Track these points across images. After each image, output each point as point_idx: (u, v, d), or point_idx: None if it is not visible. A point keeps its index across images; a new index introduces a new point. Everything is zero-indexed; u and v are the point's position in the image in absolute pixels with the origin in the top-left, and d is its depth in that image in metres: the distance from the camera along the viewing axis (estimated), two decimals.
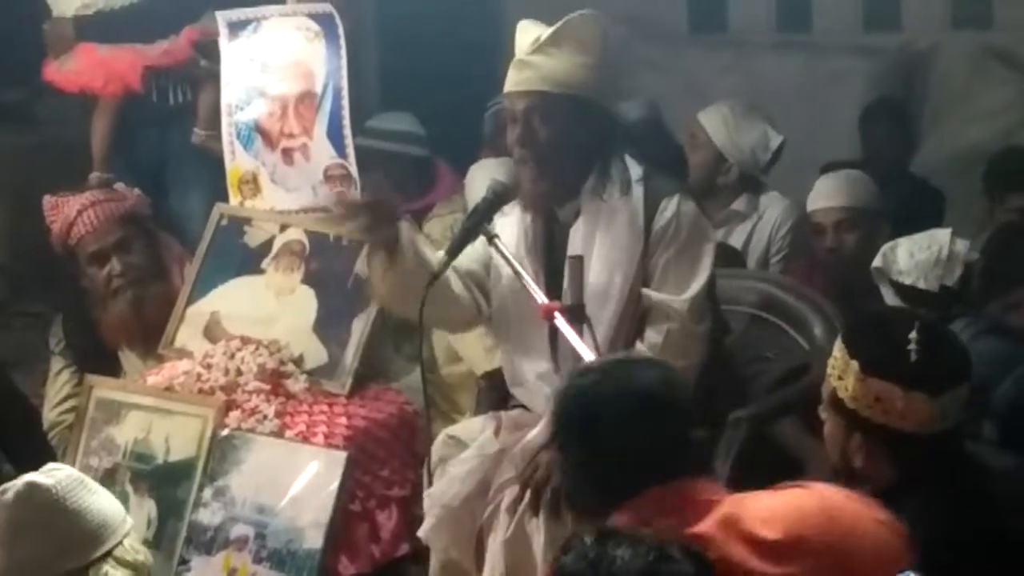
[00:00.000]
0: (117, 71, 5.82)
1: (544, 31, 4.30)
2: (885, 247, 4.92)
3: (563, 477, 3.09)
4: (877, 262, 4.87)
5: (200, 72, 5.53)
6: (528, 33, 4.34)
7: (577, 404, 3.10)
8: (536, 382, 4.38)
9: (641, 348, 4.27)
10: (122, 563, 3.53)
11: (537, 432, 4.29)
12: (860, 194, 5.61)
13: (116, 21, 5.86)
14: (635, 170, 4.34)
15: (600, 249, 4.27)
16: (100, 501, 3.56)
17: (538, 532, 4.20)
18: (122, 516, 3.60)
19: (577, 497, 3.09)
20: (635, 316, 4.29)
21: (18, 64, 7.22)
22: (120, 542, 3.55)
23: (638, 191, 4.30)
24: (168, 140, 5.96)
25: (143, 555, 3.61)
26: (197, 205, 5.60)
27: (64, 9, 5.92)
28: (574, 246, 4.29)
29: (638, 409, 3.04)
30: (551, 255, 4.38)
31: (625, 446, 3.01)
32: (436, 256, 4.27)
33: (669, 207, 4.30)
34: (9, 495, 3.52)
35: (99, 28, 5.86)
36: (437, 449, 4.44)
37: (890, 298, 4.88)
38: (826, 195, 5.63)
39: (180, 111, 5.88)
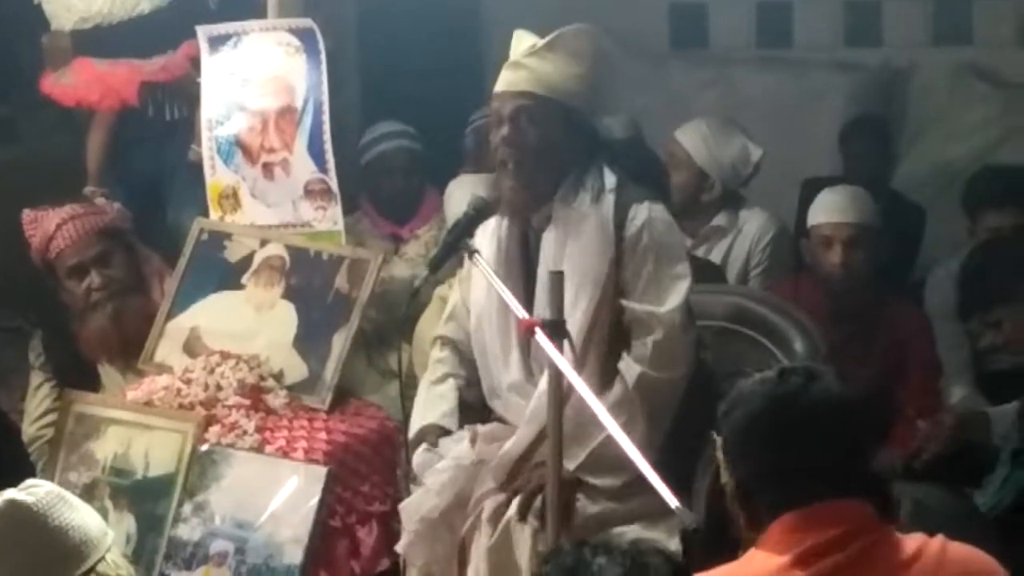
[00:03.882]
0: (114, 86, 5.84)
1: (539, 41, 4.35)
2: None
3: (741, 481, 2.99)
4: None
5: (197, 88, 5.54)
6: (524, 40, 4.40)
7: (773, 410, 2.98)
8: (509, 393, 4.40)
9: (628, 361, 4.28)
10: None
11: (514, 443, 4.31)
12: (867, 211, 5.62)
13: (114, 36, 5.88)
14: (609, 179, 4.37)
15: (570, 257, 4.29)
16: (82, 517, 3.54)
17: (524, 540, 4.21)
18: (103, 531, 3.58)
19: (757, 501, 2.99)
20: (605, 326, 4.30)
21: (0, 79, 7.22)
22: (103, 557, 3.53)
23: (609, 199, 4.33)
24: (164, 155, 5.98)
25: (125, 570, 3.59)
26: (192, 220, 5.61)
27: (63, 23, 5.94)
28: (546, 253, 4.31)
29: (839, 419, 2.98)
30: (526, 262, 4.40)
31: (808, 455, 2.95)
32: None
33: (639, 214, 4.32)
34: None
35: (97, 42, 5.88)
36: (415, 462, 4.45)
37: None
38: (838, 211, 5.60)
39: (176, 126, 5.89)
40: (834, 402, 2.97)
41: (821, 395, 2.97)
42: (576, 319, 4.22)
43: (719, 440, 3.05)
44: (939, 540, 2.98)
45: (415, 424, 4.53)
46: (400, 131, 6.48)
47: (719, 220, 6.12)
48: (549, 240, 4.34)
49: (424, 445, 4.46)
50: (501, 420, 4.47)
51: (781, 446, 2.95)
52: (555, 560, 2.68)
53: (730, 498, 3.03)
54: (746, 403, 2.99)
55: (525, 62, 4.34)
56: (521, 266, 4.40)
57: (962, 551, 2.98)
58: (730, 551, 3.08)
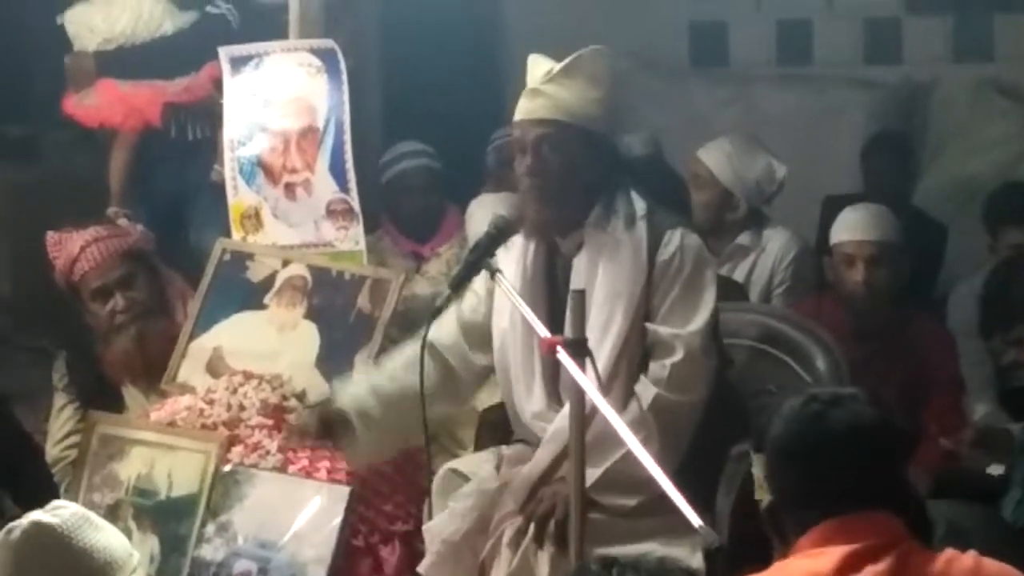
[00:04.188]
0: (137, 107, 5.86)
1: (555, 65, 4.34)
2: None
3: (775, 499, 3.06)
4: None
5: (220, 109, 5.55)
6: (540, 66, 4.37)
7: (804, 431, 3.04)
8: (533, 420, 4.39)
9: (644, 382, 4.28)
10: None
11: (533, 465, 4.30)
12: (890, 228, 5.62)
13: (137, 57, 5.91)
14: (639, 205, 4.36)
15: (603, 281, 4.29)
16: (107, 538, 3.54)
17: (542, 565, 4.20)
18: (128, 552, 3.59)
19: (786, 519, 3.04)
20: (636, 350, 4.30)
21: (22, 99, 7.26)
22: None
23: (642, 225, 4.32)
24: (186, 176, 5.99)
25: None
26: (215, 241, 5.62)
27: (86, 44, 5.97)
28: (577, 278, 4.30)
29: (865, 441, 3.01)
30: (552, 287, 4.39)
31: (843, 475, 2.99)
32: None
33: (673, 240, 4.31)
34: (15, 534, 3.50)
35: (120, 64, 5.91)
36: (439, 483, 4.45)
37: None
38: (861, 228, 5.60)
39: (198, 147, 5.90)
40: (857, 426, 3.00)
41: (843, 419, 3.00)
42: (608, 343, 4.22)
43: (754, 457, 3.09)
44: (972, 555, 2.99)
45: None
46: (419, 150, 6.49)
47: (743, 239, 6.11)
48: (581, 265, 4.32)
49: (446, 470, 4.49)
50: (526, 442, 4.46)
51: (804, 469, 3.00)
52: None
53: (763, 516, 3.07)
54: (775, 426, 3.06)
55: (543, 89, 4.32)
56: (547, 290, 4.38)
57: (995, 567, 2.98)
58: (753, 569, 3.08)
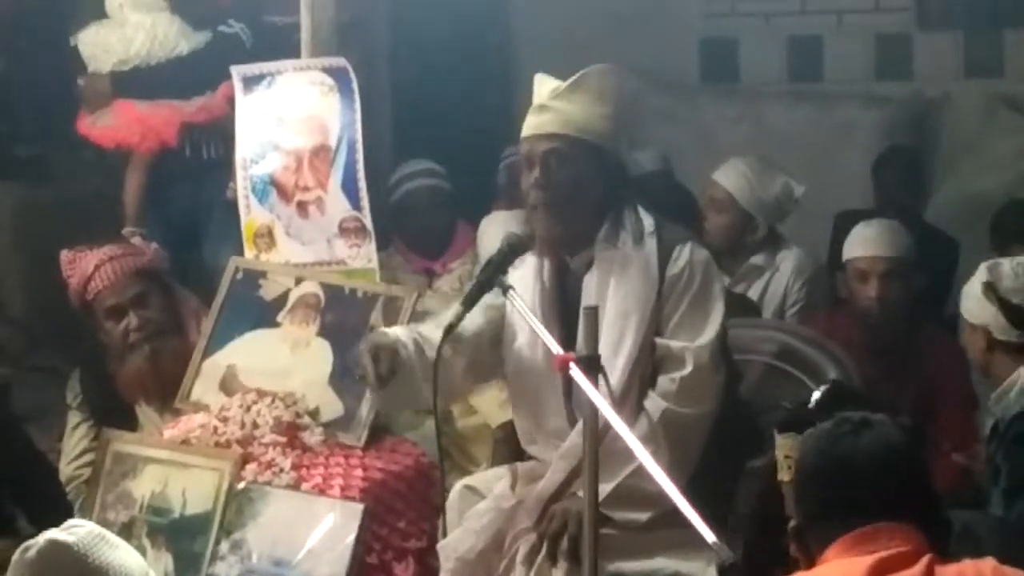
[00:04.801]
0: (154, 127, 5.89)
1: (561, 83, 4.35)
2: (987, 264, 4.79)
3: (801, 517, 3.10)
4: (985, 276, 4.70)
5: (234, 127, 5.56)
6: (546, 84, 4.39)
7: (836, 452, 3.07)
8: (551, 438, 4.40)
9: (653, 396, 4.28)
10: None
11: (546, 482, 4.30)
12: (902, 244, 5.62)
13: (153, 77, 5.93)
14: (648, 220, 4.37)
15: (614, 298, 4.29)
16: (122, 556, 3.54)
17: None
18: (144, 571, 3.58)
19: (812, 536, 3.08)
20: (647, 365, 4.31)
21: (34, 120, 7.28)
22: None
23: (651, 241, 4.33)
24: (201, 194, 6.01)
25: None
26: (229, 259, 5.63)
27: (101, 65, 5.99)
28: (588, 295, 4.31)
29: (895, 461, 3.06)
30: (564, 305, 4.40)
31: (873, 494, 3.02)
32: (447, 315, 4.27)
33: (682, 255, 4.32)
34: (31, 553, 3.50)
35: (136, 84, 5.93)
36: (454, 500, 4.45)
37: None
38: (874, 244, 5.60)
39: (213, 166, 5.92)
40: (889, 447, 3.05)
41: (875, 441, 3.05)
42: (620, 359, 4.23)
43: (778, 437, 3.26)
44: (990, 562, 3.00)
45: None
46: (423, 170, 6.50)
47: (757, 259, 6.12)
48: (591, 282, 4.33)
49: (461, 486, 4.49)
50: (539, 459, 4.47)
51: (835, 489, 3.04)
52: None
53: (790, 535, 3.12)
54: (807, 447, 3.14)
55: (551, 104, 4.34)
56: (559, 308, 4.39)
57: (1013, 574, 2.99)
58: None
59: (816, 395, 3.82)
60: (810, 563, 3.04)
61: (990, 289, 4.64)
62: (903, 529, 2.97)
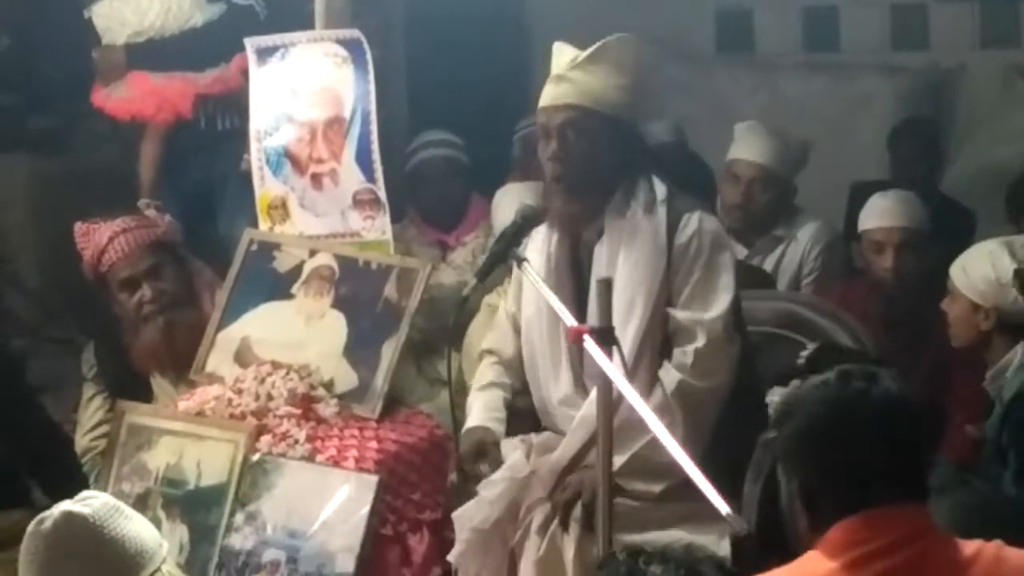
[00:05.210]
0: (169, 99, 5.88)
1: (579, 53, 4.34)
2: (1000, 244, 4.80)
3: (811, 480, 2.98)
4: (1010, 262, 4.69)
5: (248, 99, 5.56)
6: (565, 53, 4.38)
7: (837, 415, 2.97)
8: (560, 407, 4.40)
9: (668, 368, 4.28)
10: None
11: (561, 452, 4.31)
12: (918, 215, 5.61)
13: (168, 49, 5.92)
14: (660, 189, 4.37)
15: (623, 267, 4.29)
16: (137, 527, 3.56)
17: (568, 550, 4.21)
18: (159, 542, 3.60)
19: (820, 504, 2.98)
20: (657, 335, 4.30)
21: (49, 91, 7.28)
22: (158, 568, 3.55)
23: (661, 210, 4.33)
24: (215, 166, 6.00)
25: None
26: (243, 231, 5.63)
27: (115, 37, 5.98)
28: (599, 265, 4.31)
29: (900, 420, 2.97)
30: (576, 275, 4.40)
31: (874, 457, 2.94)
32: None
33: (690, 224, 4.32)
34: (47, 525, 3.51)
35: (151, 56, 5.93)
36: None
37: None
38: (889, 215, 5.59)
39: (227, 137, 5.91)
40: (896, 405, 2.97)
41: (884, 398, 2.96)
42: (630, 330, 4.23)
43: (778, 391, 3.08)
44: (995, 544, 2.98)
45: (467, 425, 4.55)
46: (440, 140, 6.51)
47: (780, 231, 6.11)
48: (602, 252, 4.34)
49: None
50: (554, 430, 4.47)
51: (844, 449, 2.94)
52: (610, 566, 2.68)
53: (788, 501, 3.03)
54: (808, 406, 2.99)
55: (569, 75, 4.33)
56: (571, 279, 4.40)
57: (1020, 556, 2.97)
58: (781, 556, 3.07)
59: (805, 352, 3.76)
60: (816, 529, 2.96)
61: (1018, 277, 4.63)
62: (901, 512, 2.92)
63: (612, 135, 4.34)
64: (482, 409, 4.55)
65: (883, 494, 2.93)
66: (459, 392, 4.72)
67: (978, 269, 4.72)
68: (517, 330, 4.59)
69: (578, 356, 4.33)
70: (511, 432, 4.58)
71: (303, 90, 5.23)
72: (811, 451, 2.99)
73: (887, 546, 2.89)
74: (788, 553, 3.08)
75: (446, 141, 6.51)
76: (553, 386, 4.42)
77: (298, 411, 4.80)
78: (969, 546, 2.96)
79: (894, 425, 2.95)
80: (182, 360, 5.19)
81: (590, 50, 4.34)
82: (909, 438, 2.97)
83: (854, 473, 2.94)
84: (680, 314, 4.29)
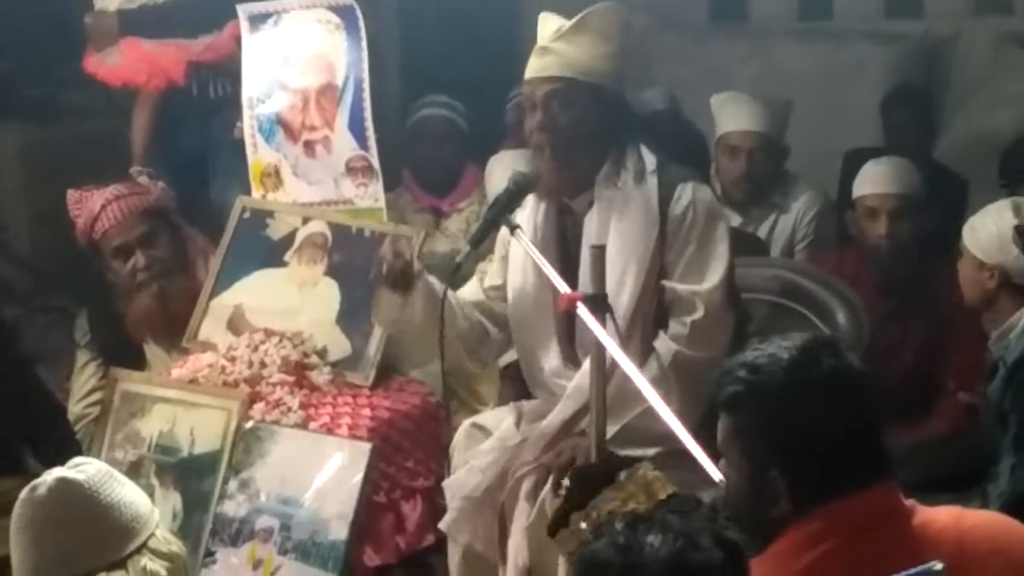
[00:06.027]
0: (161, 66, 5.84)
1: (565, 22, 4.32)
2: (1009, 203, 4.77)
3: (780, 456, 2.92)
4: (1012, 218, 4.67)
5: (241, 66, 5.53)
6: (550, 23, 4.36)
7: (815, 384, 2.92)
8: (550, 377, 4.40)
9: (664, 339, 4.28)
10: (158, 554, 3.52)
11: (552, 419, 4.31)
12: (913, 182, 5.60)
13: (160, 16, 5.88)
14: (650, 159, 4.36)
15: (615, 236, 4.29)
16: (131, 494, 3.55)
17: None
18: (151, 508, 3.60)
19: (800, 485, 2.91)
20: (651, 305, 4.30)
21: (40, 58, 7.25)
22: (153, 533, 3.55)
23: (652, 180, 4.32)
24: (208, 134, 5.98)
25: (176, 545, 3.61)
26: (236, 198, 5.62)
27: (107, 3, 5.94)
28: (589, 235, 4.30)
29: (846, 394, 2.92)
30: (564, 245, 4.40)
31: (831, 434, 2.90)
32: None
33: (684, 194, 4.31)
34: (41, 491, 3.50)
35: (143, 22, 5.88)
36: (462, 438, 4.47)
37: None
38: (883, 181, 5.58)
39: (220, 105, 5.89)
40: (864, 376, 2.94)
41: (851, 370, 2.93)
42: (623, 299, 4.23)
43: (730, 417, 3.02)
44: (954, 509, 2.98)
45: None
46: (444, 102, 6.50)
47: (777, 198, 6.10)
48: (592, 221, 4.33)
49: (468, 425, 4.50)
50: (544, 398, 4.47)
51: (820, 424, 2.91)
52: (607, 535, 2.67)
53: (751, 476, 2.98)
54: (776, 378, 2.94)
55: (553, 47, 4.31)
56: (559, 249, 4.39)
57: (978, 517, 2.98)
58: (768, 527, 3.05)
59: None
60: (798, 509, 2.92)
61: (1019, 233, 4.63)
62: (875, 496, 2.89)
63: (597, 105, 4.33)
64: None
65: (856, 475, 2.89)
66: (451, 361, 4.71)
67: (983, 226, 4.72)
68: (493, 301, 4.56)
69: (567, 325, 4.32)
70: (504, 401, 4.58)
71: (296, 57, 5.22)
72: (784, 427, 2.94)
73: (857, 533, 2.87)
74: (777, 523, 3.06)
75: (448, 104, 6.51)
76: (542, 356, 4.42)
77: (291, 379, 4.80)
78: (929, 513, 2.94)
79: (860, 399, 2.92)
80: (175, 327, 5.19)
81: (574, 20, 4.31)
82: (873, 411, 2.95)
83: (825, 449, 2.90)
84: (677, 286, 4.28)
